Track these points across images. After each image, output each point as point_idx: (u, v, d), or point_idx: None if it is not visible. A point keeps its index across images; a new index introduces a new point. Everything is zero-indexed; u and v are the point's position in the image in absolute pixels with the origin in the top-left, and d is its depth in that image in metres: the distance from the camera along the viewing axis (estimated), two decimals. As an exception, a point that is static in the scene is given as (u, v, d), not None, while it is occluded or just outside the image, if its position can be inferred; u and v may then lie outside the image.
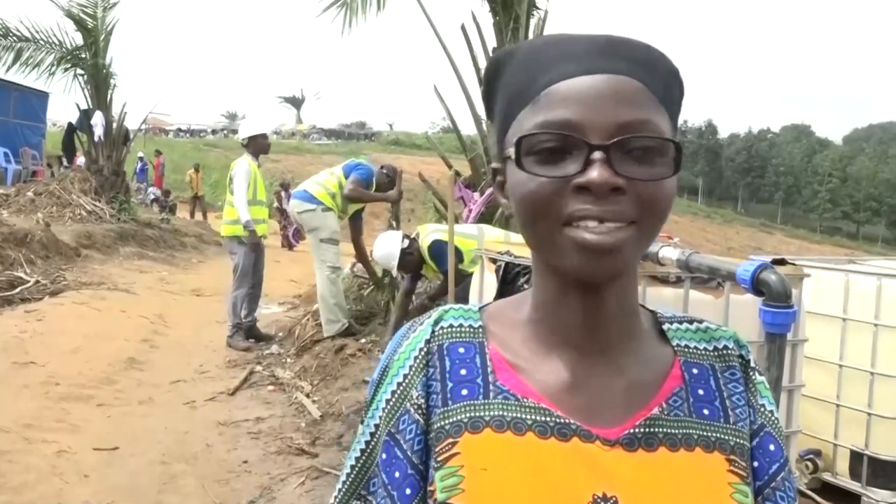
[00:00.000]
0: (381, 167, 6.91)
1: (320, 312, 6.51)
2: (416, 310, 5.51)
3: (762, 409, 0.80)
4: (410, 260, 5.39)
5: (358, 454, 0.78)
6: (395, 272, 5.65)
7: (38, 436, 4.38)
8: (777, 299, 2.01)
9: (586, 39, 0.72)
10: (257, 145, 7.21)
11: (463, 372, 0.76)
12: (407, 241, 5.42)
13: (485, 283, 3.62)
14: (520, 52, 0.76)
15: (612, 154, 0.67)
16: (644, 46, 0.73)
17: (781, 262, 2.79)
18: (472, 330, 0.79)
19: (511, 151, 0.70)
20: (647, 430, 0.73)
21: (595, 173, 0.66)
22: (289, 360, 6.49)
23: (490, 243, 4.07)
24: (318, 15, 8.08)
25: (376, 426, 0.77)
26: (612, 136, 0.67)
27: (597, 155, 0.66)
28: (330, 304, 6.36)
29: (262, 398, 5.54)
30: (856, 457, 3.72)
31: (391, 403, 0.76)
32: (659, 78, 0.72)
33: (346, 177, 6.46)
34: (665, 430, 0.73)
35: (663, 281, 2.76)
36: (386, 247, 5.47)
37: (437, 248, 5.10)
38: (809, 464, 3.76)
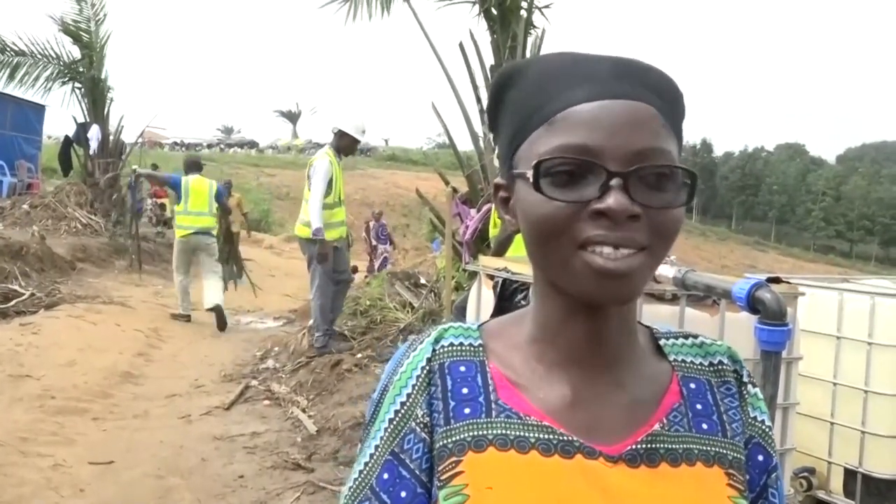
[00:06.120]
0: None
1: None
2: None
3: (752, 422, 0.81)
4: None
5: (356, 475, 0.77)
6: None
7: (33, 449, 4.36)
8: (772, 317, 2.02)
9: (600, 61, 0.73)
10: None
11: (465, 391, 0.75)
12: None
13: (482, 300, 3.64)
14: (532, 69, 0.76)
15: (629, 181, 0.68)
16: (654, 70, 0.74)
17: (776, 280, 2.81)
18: (472, 348, 0.79)
19: (527, 172, 0.70)
20: (648, 445, 0.74)
21: (614, 200, 0.67)
22: (284, 374, 6.48)
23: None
24: (322, 6, 8.25)
25: (376, 447, 0.76)
26: (630, 162, 0.68)
27: (615, 182, 0.67)
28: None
29: (258, 413, 5.52)
30: (850, 475, 3.73)
31: (395, 423, 0.76)
32: (668, 102, 0.73)
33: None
34: (666, 445, 0.74)
35: (659, 298, 2.79)
36: None
37: None
38: (804, 481, 3.78)
